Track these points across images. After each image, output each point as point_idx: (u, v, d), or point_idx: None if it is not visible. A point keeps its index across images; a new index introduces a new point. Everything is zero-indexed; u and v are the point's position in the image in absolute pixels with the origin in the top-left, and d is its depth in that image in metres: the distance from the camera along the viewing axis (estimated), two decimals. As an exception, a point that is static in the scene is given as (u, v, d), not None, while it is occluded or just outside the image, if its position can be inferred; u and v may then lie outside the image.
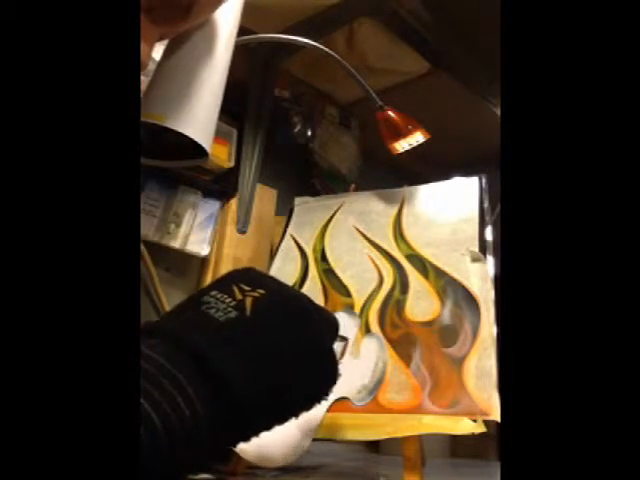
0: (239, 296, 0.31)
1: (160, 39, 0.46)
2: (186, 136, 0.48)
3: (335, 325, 0.35)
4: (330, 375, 0.33)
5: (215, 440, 0.28)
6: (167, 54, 0.50)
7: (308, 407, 0.33)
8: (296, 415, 0.32)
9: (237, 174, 1.40)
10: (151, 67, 0.50)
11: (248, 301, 0.31)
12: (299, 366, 0.31)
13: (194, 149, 0.50)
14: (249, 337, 0.30)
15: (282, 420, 0.31)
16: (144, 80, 0.50)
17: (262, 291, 0.32)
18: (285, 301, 0.33)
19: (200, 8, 0.44)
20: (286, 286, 0.36)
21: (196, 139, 0.48)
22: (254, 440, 0.30)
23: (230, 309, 0.30)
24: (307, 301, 0.34)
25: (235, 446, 0.30)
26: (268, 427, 0.31)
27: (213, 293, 0.32)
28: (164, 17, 0.42)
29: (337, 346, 0.34)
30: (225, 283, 0.33)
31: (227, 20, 0.52)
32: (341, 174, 1.68)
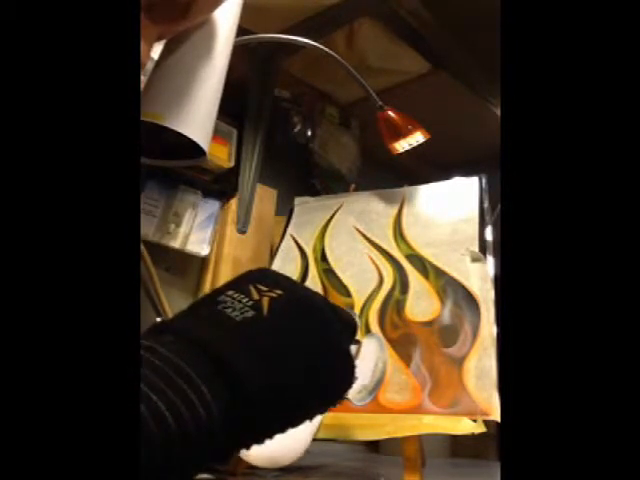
0: (256, 296, 0.31)
1: (159, 38, 0.46)
2: (184, 135, 0.48)
3: (353, 326, 0.35)
4: (347, 377, 0.33)
5: (228, 441, 0.28)
6: (166, 53, 0.50)
7: (323, 410, 0.33)
8: (311, 418, 0.32)
9: (237, 174, 1.40)
10: (149, 66, 0.50)
11: (265, 301, 0.31)
12: (316, 368, 0.31)
13: (192, 148, 0.50)
14: (266, 337, 0.29)
15: (297, 423, 0.31)
16: (142, 79, 0.50)
17: (279, 291, 0.32)
18: (302, 302, 0.32)
19: (199, 8, 0.44)
20: (303, 286, 0.35)
21: (194, 138, 0.48)
22: (266, 444, 0.30)
23: (247, 309, 0.30)
24: (324, 302, 0.34)
25: (248, 448, 0.29)
26: (282, 429, 0.30)
27: (230, 293, 0.31)
28: (163, 16, 0.42)
29: (352, 348, 0.34)
30: (242, 283, 0.32)
31: (226, 20, 0.52)
32: (341, 174, 1.68)
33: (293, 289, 0.33)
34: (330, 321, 0.32)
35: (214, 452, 0.27)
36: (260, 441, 0.30)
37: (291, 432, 0.31)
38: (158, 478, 0.24)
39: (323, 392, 0.32)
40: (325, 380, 0.31)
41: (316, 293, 0.34)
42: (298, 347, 0.30)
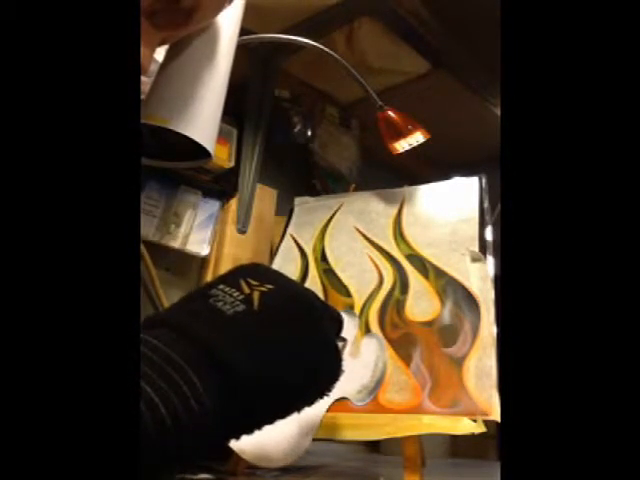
0: (247, 290, 0.31)
1: (162, 43, 0.46)
2: (188, 137, 0.48)
3: (340, 321, 0.35)
4: (334, 371, 0.33)
5: (220, 431, 0.28)
6: (169, 57, 0.50)
7: (311, 402, 0.33)
8: (299, 409, 0.32)
9: (237, 174, 1.40)
10: (153, 68, 0.50)
11: (256, 295, 0.31)
12: (304, 361, 0.31)
13: (197, 150, 0.50)
14: (256, 330, 0.30)
15: (285, 414, 0.31)
16: (146, 81, 0.50)
17: (270, 286, 0.32)
18: (292, 296, 0.33)
19: (202, 13, 0.44)
20: (293, 281, 0.36)
21: (199, 141, 0.49)
22: (254, 440, 0.30)
23: (238, 303, 0.31)
24: (313, 297, 0.34)
25: (239, 439, 0.30)
26: (271, 421, 0.31)
27: (221, 287, 0.32)
28: (166, 22, 0.42)
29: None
30: (233, 277, 0.33)
31: (229, 23, 0.52)
32: (341, 174, 1.68)
33: (283, 284, 0.33)
34: (319, 315, 0.33)
35: (207, 442, 0.28)
36: (249, 432, 0.30)
37: (289, 431, 0.31)
38: (152, 465, 0.24)
39: (311, 384, 0.32)
40: (313, 373, 0.32)
41: (306, 288, 0.35)
42: (287, 340, 0.31)
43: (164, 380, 0.25)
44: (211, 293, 0.31)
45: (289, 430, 0.30)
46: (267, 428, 0.31)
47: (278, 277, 0.34)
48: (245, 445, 0.28)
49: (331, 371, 0.33)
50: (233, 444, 0.30)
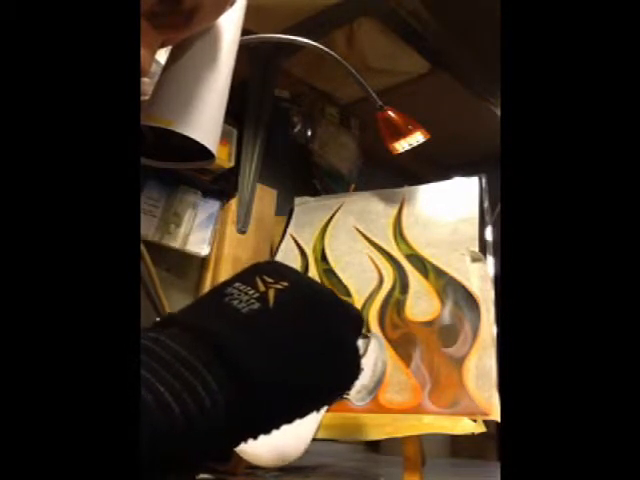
0: (262, 288, 0.31)
1: (163, 45, 0.45)
2: (191, 139, 0.48)
3: (359, 320, 0.35)
4: (352, 369, 0.33)
5: (235, 431, 0.28)
6: (172, 59, 0.50)
7: (329, 401, 0.33)
8: (317, 409, 0.32)
9: (237, 174, 1.40)
10: (155, 69, 0.50)
11: (271, 293, 0.31)
12: (322, 359, 0.31)
13: (199, 151, 0.50)
14: (272, 329, 0.29)
15: (303, 413, 0.31)
16: (148, 82, 0.51)
17: (285, 283, 0.32)
18: (308, 294, 0.32)
19: (202, 15, 0.44)
20: (309, 279, 0.35)
21: (202, 142, 0.49)
22: (272, 441, 0.30)
23: (253, 301, 0.30)
24: (331, 295, 0.34)
25: (255, 438, 0.29)
26: (289, 420, 0.30)
27: (236, 285, 0.31)
28: (166, 24, 0.42)
29: (360, 343, 0.34)
30: (248, 275, 0.32)
31: (230, 25, 0.53)
32: (341, 174, 1.68)
33: (299, 281, 0.33)
34: (336, 313, 0.32)
35: (221, 441, 0.27)
36: (267, 431, 0.30)
37: (296, 429, 0.31)
38: (163, 464, 0.24)
39: (329, 383, 0.32)
40: (332, 372, 0.31)
41: (322, 286, 0.34)
42: (303, 338, 0.30)
43: (177, 379, 0.25)
44: (226, 292, 0.31)
45: (298, 429, 0.30)
46: (284, 428, 0.30)
47: (294, 274, 0.34)
48: (260, 447, 0.28)
49: (349, 369, 0.32)
50: (249, 444, 0.30)
